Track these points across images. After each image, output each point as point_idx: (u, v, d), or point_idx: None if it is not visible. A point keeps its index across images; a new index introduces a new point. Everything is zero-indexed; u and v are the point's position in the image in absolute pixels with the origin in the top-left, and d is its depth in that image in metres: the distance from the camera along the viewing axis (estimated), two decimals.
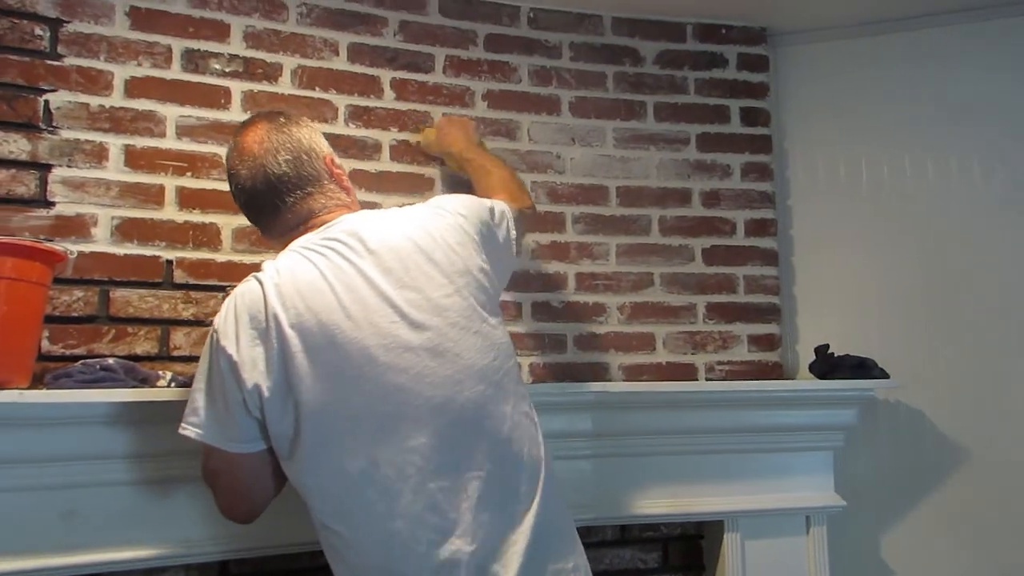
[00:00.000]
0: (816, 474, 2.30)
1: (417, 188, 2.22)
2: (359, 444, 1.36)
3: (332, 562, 1.43)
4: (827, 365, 2.33)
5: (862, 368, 2.29)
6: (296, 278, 1.41)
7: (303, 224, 1.54)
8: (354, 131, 2.17)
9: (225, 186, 1.97)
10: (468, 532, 1.36)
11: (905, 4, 2.54)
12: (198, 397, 1.41)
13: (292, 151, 1.55)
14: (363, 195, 2.15)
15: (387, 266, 1.43)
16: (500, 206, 1.68)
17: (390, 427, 1.37)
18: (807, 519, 2.30)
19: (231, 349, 1.37)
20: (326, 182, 1.58)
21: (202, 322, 1.96)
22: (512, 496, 1.42)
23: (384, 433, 1.37)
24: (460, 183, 2.11)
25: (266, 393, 1.36)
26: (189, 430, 1.41)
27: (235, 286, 1.92)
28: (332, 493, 1.38)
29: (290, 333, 1.36)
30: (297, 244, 1.49)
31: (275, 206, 1.54)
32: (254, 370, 1.36)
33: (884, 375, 2.29)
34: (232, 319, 1.40)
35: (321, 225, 1.52)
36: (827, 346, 2.37)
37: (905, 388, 2.42)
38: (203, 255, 1.99)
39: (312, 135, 1.60)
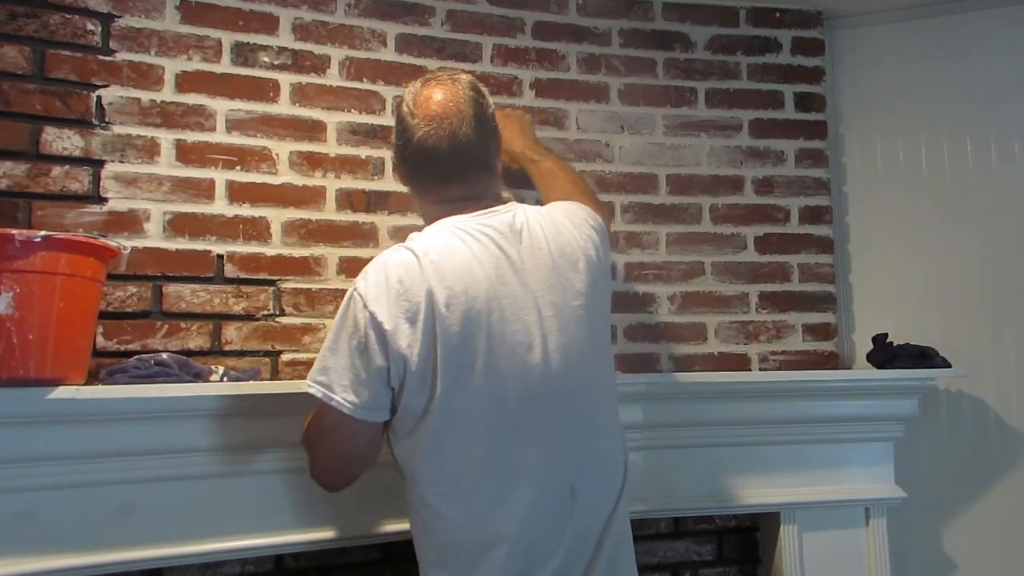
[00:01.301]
0: (876, 465, 2.26)
1: None
2: (484, 435, 1.38)
3: (423, 539, 1.45)
4: (886, 354, 2.28)
5: (923, 357, 2.23)
6: (454, 259, 1.40)
7: (464, 201, 1.51)
8: None
9: (275, 179, 2.00)
10: (565, 545, 1.40)
11: None
12: (329, 357, 1.40)
13: (480, 126, 1.51)
14: None
15: (537, 265, 1.44)
16: (604, 222, 1.66)
17: (516, 426, 1.39)
18: (866, 511, 2.25)
19: (382, 316, 1.35)
20: (493, 169, 1.57)
21: (253, 316, 1.96)
22: (602, 508, 1.46)
23: (510, 430, 1.39)
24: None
25: (412, 367, 1.35)
26: (316, 388, 1.39)
27: (286, 279, 1.97)
28: (445, 475, 1.39)
29: (443, 312, 1.36)
30: (452, 223, 1.47)
31: (448, 174, 1.51)
32: (403, 341, 1.35)
33: (946, 364, 2.23)
34: (384, 286, 1.37)
35: (479, 210, 1.50)
36: (886, 335, 2.32)
37: (967, 377, 2.35)
38: (253, 249, 1.98)
39: (494, 121, 1.57)
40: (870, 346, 2.34)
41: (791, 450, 2.21)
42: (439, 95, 1.51)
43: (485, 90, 1.58)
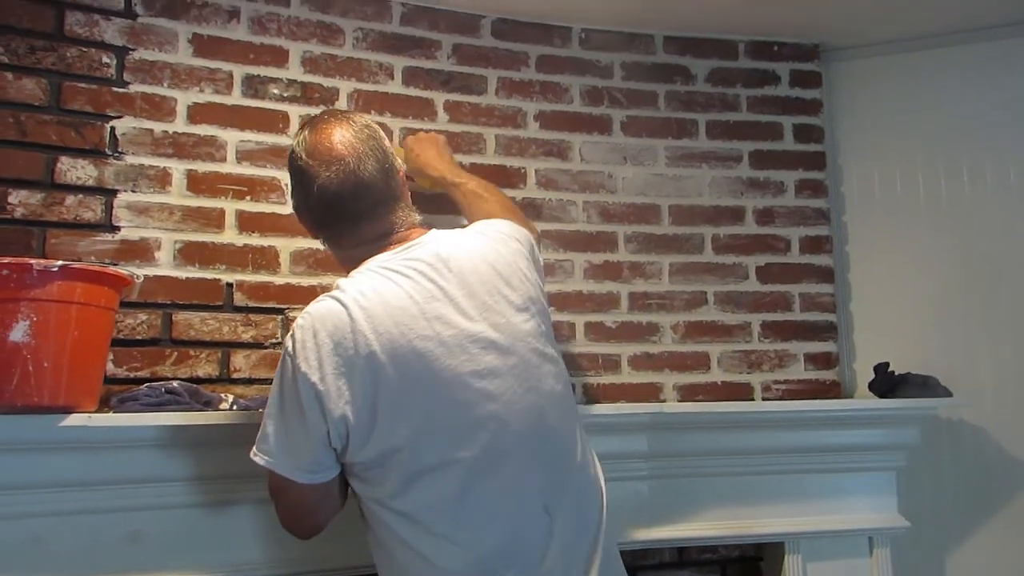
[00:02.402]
0: (879, 494, 2.26)
1: None
2: (453, 472, 1.34)
3: None
4: (888, 383, 2.29)
5: (925, 386, 2.25)
6: (386, 302, 1.35)
7: (381, 239, 1.48)
8: None
9: (284, 209, 2.03)
10: (553, 563, 1.37)
11: (957, 18, 2.51)
12: (270, 424, 1.36)
13: (379, 160, 1.49)
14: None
15: (471, 290, 1.41)
16: (532, 234, 1.65)
17: (484, 457, 1.35)
18: (870, 540, 2.25)
19: (315, 378, 1.31)
20: (401, 198, 1.53)
21: (261, 344, 1.98)
22: (585, 523, 1.43)
23: (478, 463, 1.35)
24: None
25: (353, 423, 1.31)
26: (260, 458, 1.36)
27: (294, 308, 1.99)
28: (421, 518, 1.36)
29: (384, 360, 1.32)
30: (376, 264, 1.43)
31: (358, 215, 1.47)
32: (340, 400, 1.30)
33: (947, 393, 2.25)
34: (312, 345, 1.32)
35: (399, 243, 1.47)
36: (887, 364, 2.33)
37: (968, 406, 2.36)
38: (262, 278, 2.00)
39: (390, 147, 1.55)
40: (871, 375, 2.35)
41: (794, 479, 2.22)
42: (333, 136, 1.47)
43: (367, 118, 1.57)
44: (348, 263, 1.50)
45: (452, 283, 1.40)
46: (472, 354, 1.37)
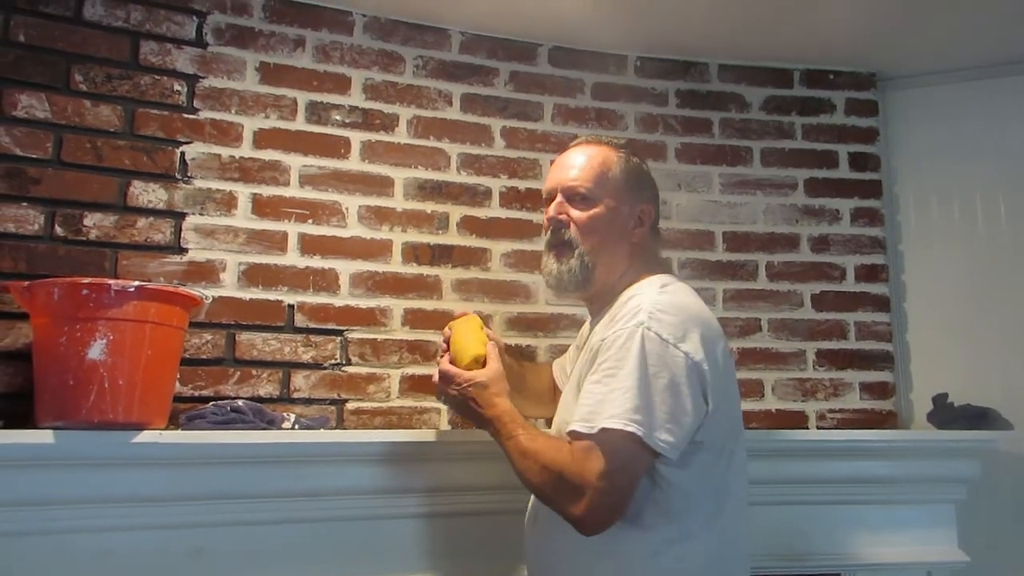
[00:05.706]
0: (937, 527, 2.21)
1: (525, 234, 2.25)
2: (743, 473, 1.50)
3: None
4: (947, 415, 2.25)
5: (985, 419, 2.21)
6: (708, 312, 1.50)
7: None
8: (466, 178, 2.22)
9: (345, 232, 2.08)
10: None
11: (1015, 48, 2.48)
12: (637, 397, 1.33)
13: None
14: (473, 240, 2.20)
15: None
16: None
17: (745, 470, 1.53)
18: (928, 575, 2.21)
19: (698, 357, 1.37)
20: None
21: (320, 365, 2.01)
22: None
23: (745, 475, 1.52)
24: None
25: (721, 407, 1.39)
26: (635, 427, 1.32)
27: (353, 330, 2.02)
28: (714, 505, 1.42)
29: (725, 353, 1.45)
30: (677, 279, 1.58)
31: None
32: (717, 381, 1.39)
33: (1008, 426, 2.20)
34: (689, 328, 1.38)
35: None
36: (946, 395, 2.29)
37: None
38: (322, 300, 2.04)
39: None
40: (928, 405, 2.32)
41: (851, 510, 2.19)
42: None
43: None
44: (643, 268, 1.57)
45: None
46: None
